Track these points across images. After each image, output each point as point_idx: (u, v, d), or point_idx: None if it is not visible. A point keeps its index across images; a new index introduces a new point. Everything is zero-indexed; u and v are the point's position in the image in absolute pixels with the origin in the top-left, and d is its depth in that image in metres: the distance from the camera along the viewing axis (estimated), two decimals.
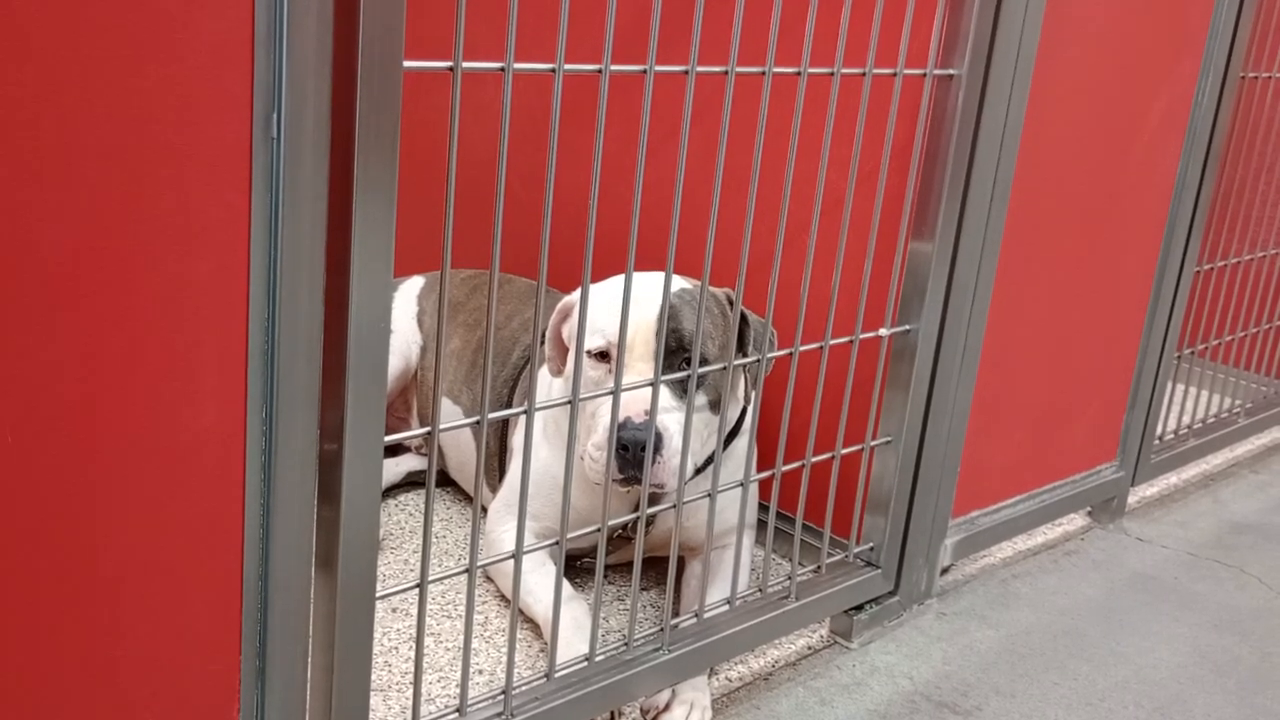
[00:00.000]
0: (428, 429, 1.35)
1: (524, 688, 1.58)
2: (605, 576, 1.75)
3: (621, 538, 2.01)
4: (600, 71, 1.36)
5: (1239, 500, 2.92)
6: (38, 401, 1.07)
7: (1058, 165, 2.17)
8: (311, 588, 1.31)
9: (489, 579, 2.13)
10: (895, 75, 1.75)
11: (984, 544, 2.36)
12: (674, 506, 1.72)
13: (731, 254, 1.75)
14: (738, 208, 1.72)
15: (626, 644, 1.71)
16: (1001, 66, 1.87)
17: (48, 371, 1.07)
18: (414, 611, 2.00)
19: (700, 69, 1.46)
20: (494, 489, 2.21)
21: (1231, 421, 3.07)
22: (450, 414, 2.35)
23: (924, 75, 1.82)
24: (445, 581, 2.11)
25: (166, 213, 1.09)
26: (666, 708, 1.76)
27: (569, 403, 1.50)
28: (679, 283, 1.89)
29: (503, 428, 2.23)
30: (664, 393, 1.77)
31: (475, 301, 2.46)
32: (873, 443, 2.01)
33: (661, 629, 1.73)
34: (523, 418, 1.82)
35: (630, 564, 1.78)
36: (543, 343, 2.00)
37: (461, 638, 1.94)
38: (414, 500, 2.46)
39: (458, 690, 1.58)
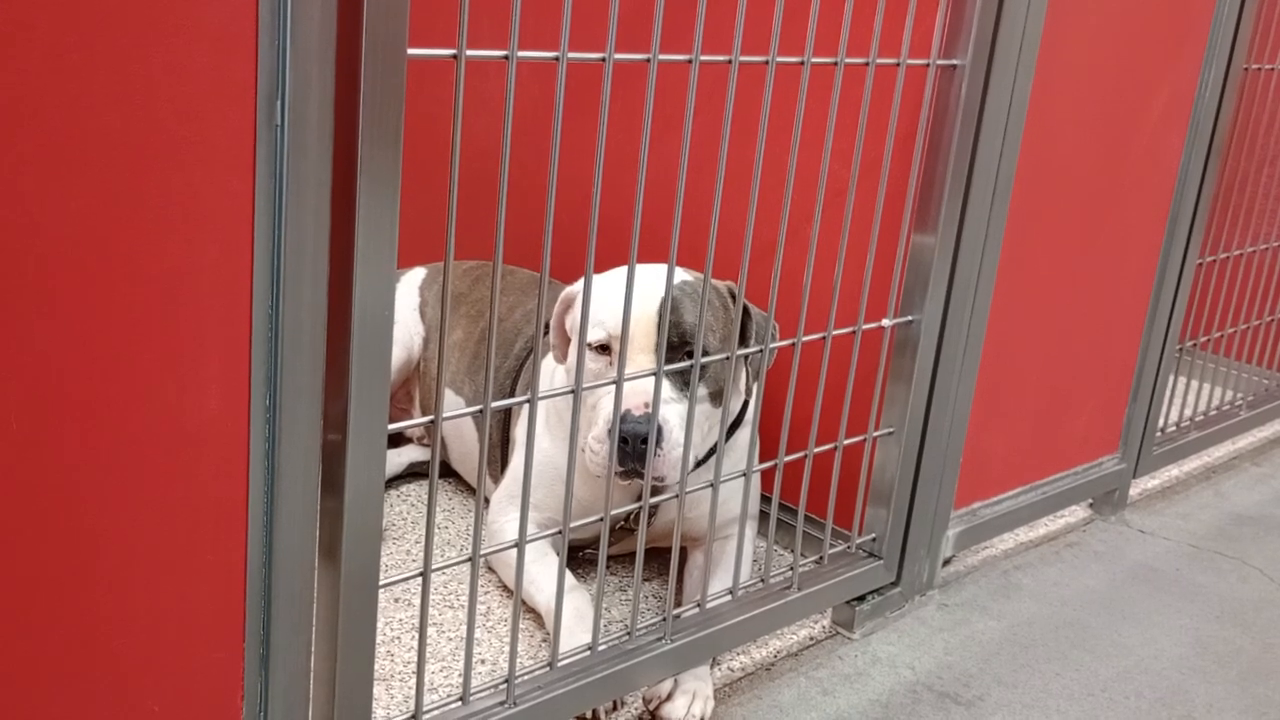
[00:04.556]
0: (430, 418, 1.35)
1: (526, 677, 1.58)
2: (607, 567, 1.76)
3: (624, 529, 2.01)
4: (604, 60, 1.36)
5: (1240, 492, 2.92)
6: (41, 389, 1.07)
7: (1060, 157, 2.17)
8: (315, 577, 1.31)
9: (491, 569, 2.13)
10: (898, 65, 1.74)
11: (986, 535, 2.36)
12: (676, 497, 1.72)
13: (734, 245, 1.75)
14: (740, 198, 1.72)
15: (629, 634, 1.71)
16: (1005, 57, 1.87)
17: (51, 359, 1.07)
18: (416, 601, 2.00)
19: (704, 58, 1.46)
20: (496, 480, 2.21)
21: (1233, 414, 3.07)
22: (453, 405, 2.36)
23: (927, 65, 1.82)
24: (447, 571, 2.11)
25: (169, 201, 1.09)
26: (669, 697, 1.76)
27: (571, 392, 1.50)
28: (680, 275, 1.89)
29: (505, 419, 2.23)
30: (665, 385, 1.77)
31: (478, 293, 2.46)
32: (875, 434, 2.01)
33: (664, 619, 1.73)
34: (525, 409, 1.82)
35: (632, 554, 1.78)
36: (547, 332, 2.00)
37: (464, 627, 1.94)
38: (416, 491, 2.46)
39: (460, 679, 1.58)
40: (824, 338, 1.83)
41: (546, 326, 1.99)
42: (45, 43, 0.99)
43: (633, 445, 1.71)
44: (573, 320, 1.96)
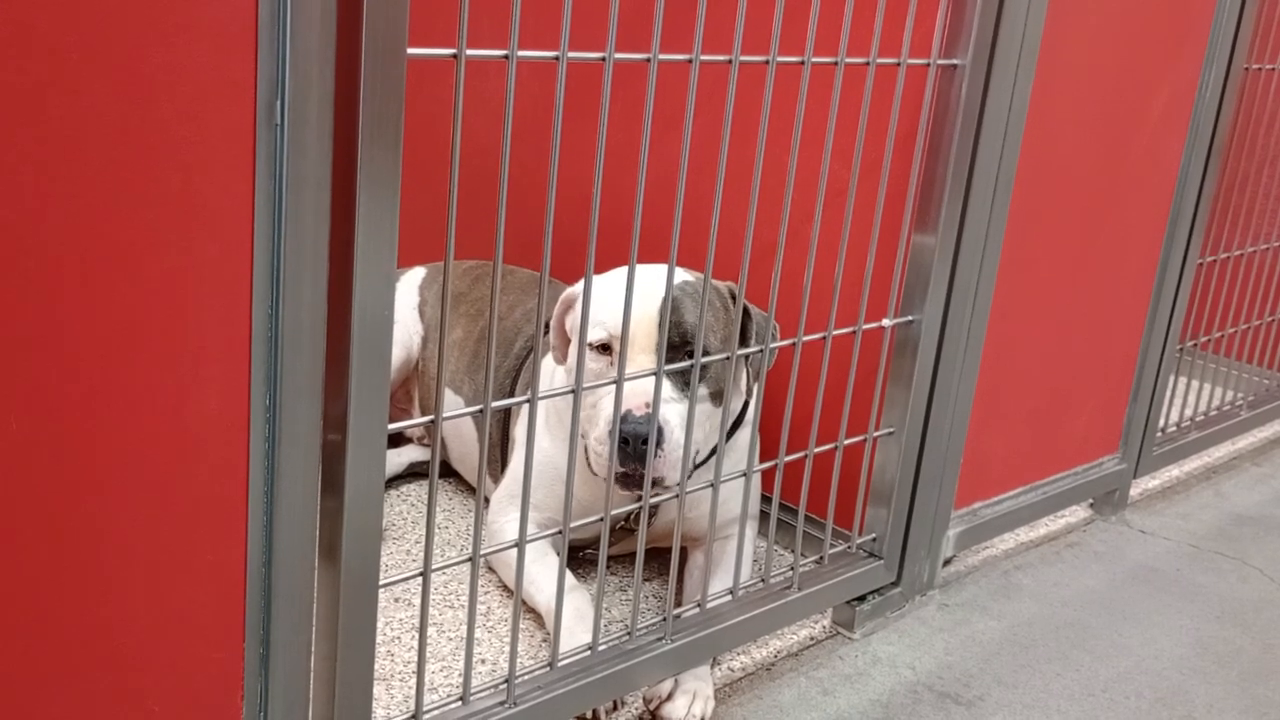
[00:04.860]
0: (430, 417, 1.35)
1: (526, 677, 1.58)
2: (607, 567, 1.75)
3: (624, 529, 2.01)
4: (604, 60, 1.36)
5: (1241, 492, 2.92)
6: (42, 388, 1.07)
7: (1061, 156, 2.17)
8: (315, 577, 1.31)
9: (491, 570, 2.13)
10: (899, 65, 1.74)
11: (986, 535, 2.36)
12: (676, 497, 1.72)
13: (734, 245, 1.75)
14: (740, 198, 1.71)
15: (629, 634, 1.71)
16: (1005, 57, 1.87)
17: (52, 359, 1.07)
18: (416, 601, 2.00)
19: (704, 58, 1.46)
20: (496, 479, 2.21)
21: (1233, 414, 3.07)
22: (452, 405, 2.36)
23: (928, 65, 1.82)
24: (447, 571, 2.11)
25: (170, 200, 1.09)
26: (669, 697, 1.76)
27: (571, 392, 1.50)
28: (681, 275, 1.89)
29: (505, 419, 2.23)
30: (665, 385, 1.77)
31: (477, 292, 2.46)
32: (875, 434, 2.01)
33: (664, 619, 1.73)
34: (525, 409, 1.82)
35: (632, 554, 1.78)
36: (547, 332, 2.00)
37: (464, 627, 1.94)
38: (416, 491, 2.46)
39: (460, 679, 1.58)
40: (824, 338, 1.83)
41: (547, 326, 1.99)
42: (46, 42, 0.99)
43: (633, 445, 1.71)
44: (573, 320, 1.96)
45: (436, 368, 1.30)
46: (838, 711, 1.86)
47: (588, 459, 1.82)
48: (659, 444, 1.72)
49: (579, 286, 1.95)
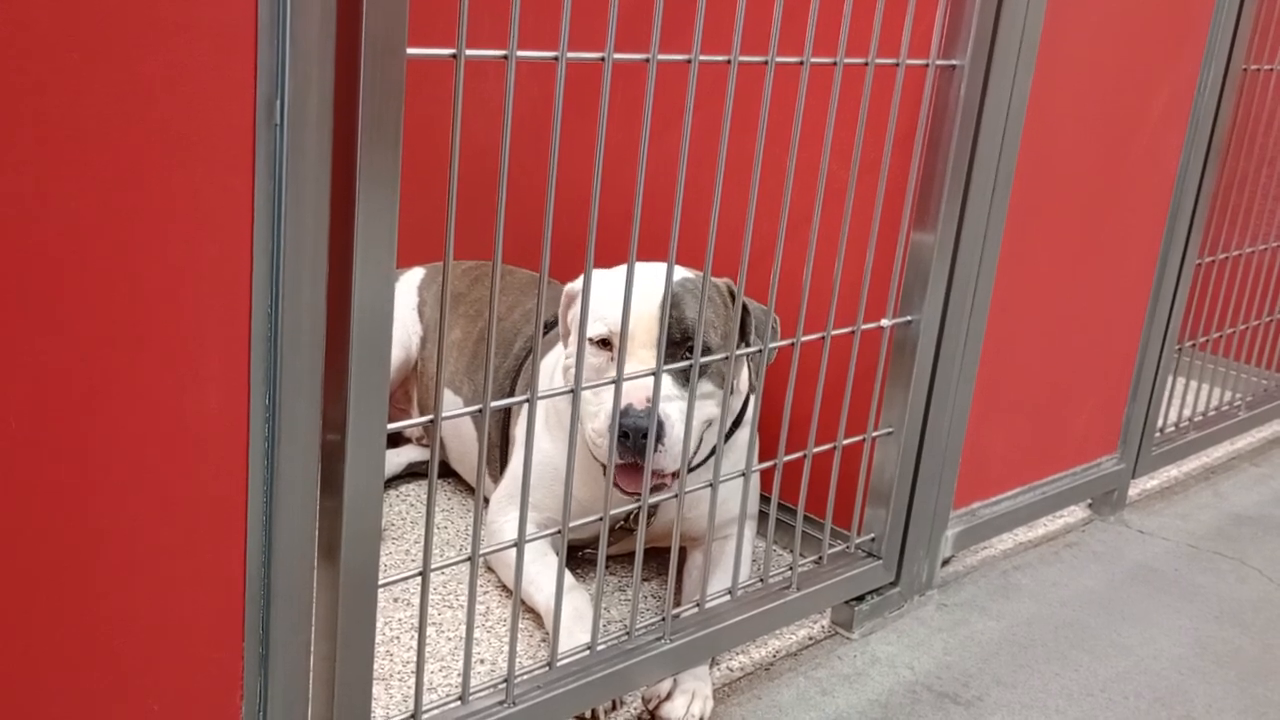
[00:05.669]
0: (429, 417, 1.35)
1: (525, 676, 1.58)
2: (606, 567, 1.76)
3: (623, 529, 2.01)
4: (603, 60, 1.36)
5: (1239, 493, 2.92)
6: (41, 388, 1.07)
7: (1060, 157, 2.17)
8: (314, 577, 1.31)
9: (490, 569, 2.13)
10: (898, 65, 1.74)
11: (985, 535, 2.36)
12: (675, 497, 1.72)
13: (733, 244, 1.75)
14: (739, 198, 1.72)
15: (628, 633, 1.71)
16: (1004, 57, 1.87)
17: (51, 358, 1.07)
18: (415, 601, 2.00)
19: (703, 58, 1.46)
20: (496, 479, 2.21)
21: (1232, 414, 3.07)
22: (452, 405, 2.36)
23: (926, 65, 1.82)
24: (446, 571, 2.11)
25: (169, 200, 1.09)
26: (668, 697, 1.76)
27: (571, 392, 1.50)
28: (680, 272, 1.89)
29: (504, 419, 2.23)
30: (666, 381, 1.77)
31: (477, 292, 2.46)
32: (874, 434, 2.01)
33: (663, 619, 1.73)
34: (524, 409, 1.82)
35: (631, 554, 1.78)
36: (546, 332, 2.00)
37: (463, 627, 1.94)
38: (415, 491, 2.46)
39: (459, 679, 1.58)
40: (823, 338, 1.83)
41: (546, 326, 1.99)
42: (46, 42, 0.99)
43: (633, 440, 1.72)
44: (575, 315, 1.96)
45: (436, 368, 1.30)
46: (836, 711, 1.86)
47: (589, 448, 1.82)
48: (660, 438, 1.72)
49: (580, 282, 1.95)
